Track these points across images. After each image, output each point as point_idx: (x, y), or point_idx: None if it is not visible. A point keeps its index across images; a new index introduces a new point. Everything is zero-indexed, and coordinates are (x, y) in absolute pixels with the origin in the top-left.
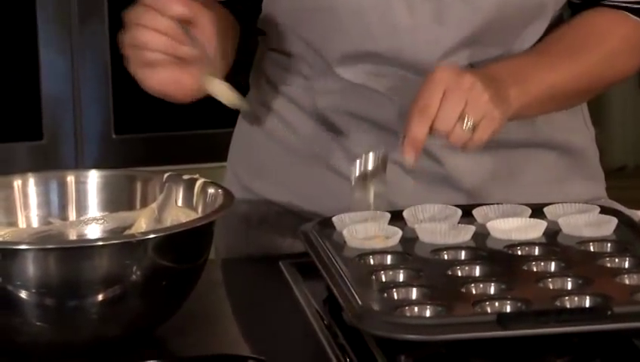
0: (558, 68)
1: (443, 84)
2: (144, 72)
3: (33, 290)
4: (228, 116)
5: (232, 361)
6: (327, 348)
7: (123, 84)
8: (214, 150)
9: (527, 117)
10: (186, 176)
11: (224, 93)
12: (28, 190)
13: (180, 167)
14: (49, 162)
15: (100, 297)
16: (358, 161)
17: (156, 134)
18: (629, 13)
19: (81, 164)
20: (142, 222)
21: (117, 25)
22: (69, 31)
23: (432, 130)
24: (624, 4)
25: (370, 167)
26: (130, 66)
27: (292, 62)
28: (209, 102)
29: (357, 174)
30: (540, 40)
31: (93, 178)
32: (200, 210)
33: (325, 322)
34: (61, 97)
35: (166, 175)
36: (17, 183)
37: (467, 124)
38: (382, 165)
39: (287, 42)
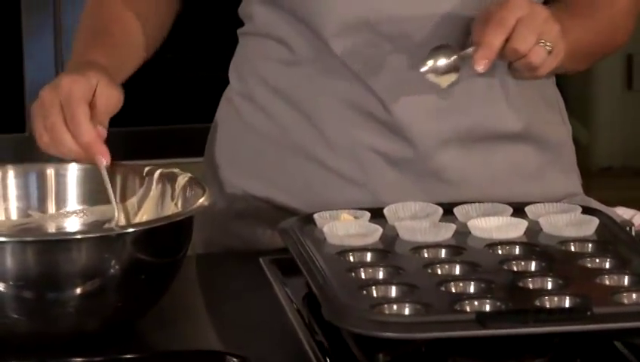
0: (581, 24)
1: (519, 9)
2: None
3: (11, 283)
4: (208, 111)
5: (213, 357)
6: (306, 346)
7: None
8: (193, 145)
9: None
10: (165, 170)
11: None
12: (7, 182)
13: (158, 162)
14: (31, 155)
15: (79, 290)
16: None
17: (135, 128)
18: None
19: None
20: (121, 216)
21: None
22: (53, 23)
23: (505, 49)
24: None
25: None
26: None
27: (273, 48)
28: (189, 98)
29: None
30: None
31: (73, 171)
32: (180, 204)
33: (305, 319)
34: None
35: (146, 169)
36: None
37: (546, 45)
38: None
39: (271, 26)
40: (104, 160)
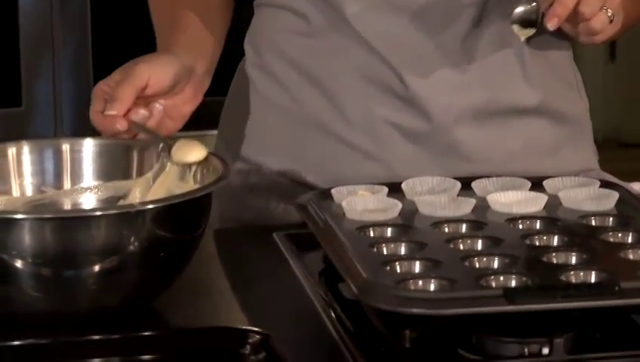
0: None
1: None
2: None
3: (30, 260)
4: (222, 83)
5: (234, 334)
6: (326, 321)
7: (103, 51)
8: (207, 117)
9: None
10: (181, 141)
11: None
12: (22, 158)
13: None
14: (27, 129)
15: (98, 268)
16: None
17: None
18: None
19: (59, 132)
20: (136, 192)
21: None
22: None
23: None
24: None
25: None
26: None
27: (290, 20)
28: None
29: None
30: None
31: (89, 146)
32: (198, 179)
33: (323, 294)
34: (40, 64)
35: (162, 144)
36: (12, 151)
37: (608, 12)
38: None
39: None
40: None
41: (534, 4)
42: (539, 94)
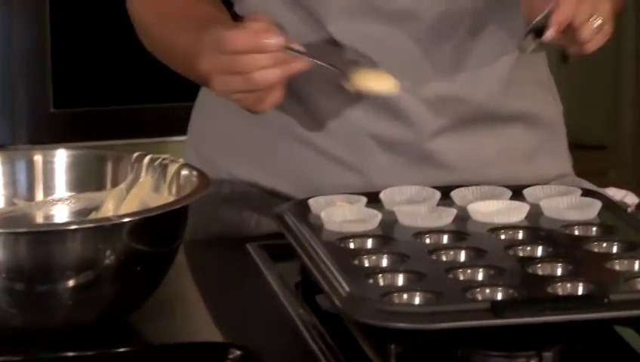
0: None
1: None
2: (253, 102)
3: (3, 275)
4: (182, 89)
5: (214, 349)
6: (307, 336)
7: (62, 55)
8: (178, 124)
9: None
10: (155, 156)
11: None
12: None
13: (122, 142)
14: None
15: (73, 282)
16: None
17: (97, 108)
18: None
19: (18, 140)
20: (109, 204)
21: None
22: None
23: None
24: None
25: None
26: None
27: None
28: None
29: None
30: None
31: (62, 157)
32: (173, 191)
33: (300, 307)
34: None
35: (135, 155)
36: None
37: (597, 21)
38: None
39: (263, 8)
40: (274, 40)
41: (546, 12)
42: (519, 101)
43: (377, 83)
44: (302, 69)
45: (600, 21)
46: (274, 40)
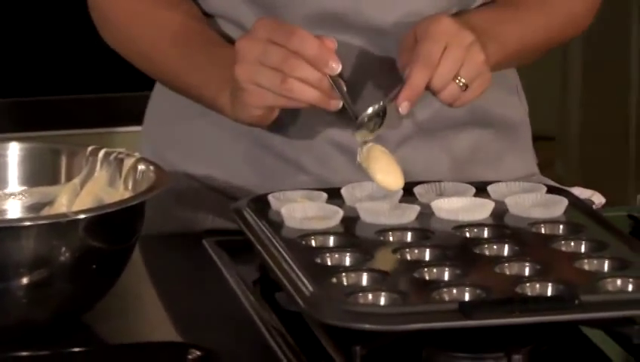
0: (527, 21)
1: (445, 37)
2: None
3: None
4: (138, 77)
5: (173, 350)
6: (267, 335)
7: (3, 44)
8: (119, 113)
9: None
10: (109, 150)
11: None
12: None
13: (68, 132)
14: None
15: (26, 280)
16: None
17: (26, 99)
18: None
19: None
20: (63, 198)
21: None
22: None
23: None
24: None
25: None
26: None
27: (227, 28)
28: (105, 65)
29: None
30: None
31: (14, 150)
32: (129, 186)
33: (260, 305)
34: None
35: (89, 148)
36: None
37: (460, 82)
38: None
39: (225, 8)
40: (335, 66)
41: (380, 104)
42: (482, 105)
43: (383, 173)
44: (330, 109)
45: (463, 82)
46: (336, 65)
